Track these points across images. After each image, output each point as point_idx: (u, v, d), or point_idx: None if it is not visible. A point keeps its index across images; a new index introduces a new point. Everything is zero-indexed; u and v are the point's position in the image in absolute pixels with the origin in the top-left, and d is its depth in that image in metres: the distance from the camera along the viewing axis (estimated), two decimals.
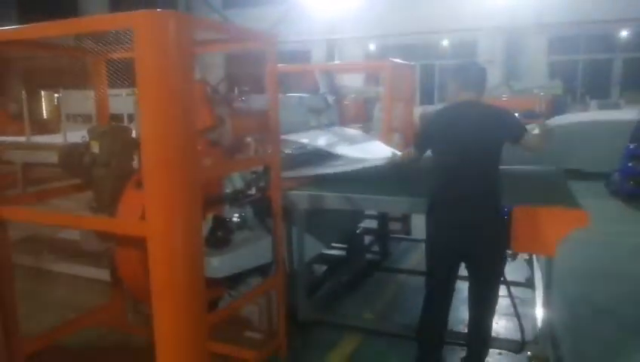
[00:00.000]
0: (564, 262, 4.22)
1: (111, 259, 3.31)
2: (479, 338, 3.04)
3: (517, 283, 4.15)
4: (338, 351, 3.38)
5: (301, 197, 3.39)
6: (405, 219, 5.70)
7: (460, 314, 3.71)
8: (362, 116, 6.01)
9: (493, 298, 2.99)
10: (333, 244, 4.74)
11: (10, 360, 2.94)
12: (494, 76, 14.95)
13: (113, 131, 2.89)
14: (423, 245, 5.45)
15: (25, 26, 2.59)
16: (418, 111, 16.33)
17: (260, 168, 3.23)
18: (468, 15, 15.12)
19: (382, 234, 5.26)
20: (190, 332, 2.35)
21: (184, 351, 2.37)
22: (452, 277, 3.02)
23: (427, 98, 17.47)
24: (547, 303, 3.26)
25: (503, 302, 3.58)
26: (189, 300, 2.33)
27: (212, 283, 2.98)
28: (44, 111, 8.83)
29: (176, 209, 2.27)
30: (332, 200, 3.37)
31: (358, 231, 4.98)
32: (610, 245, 5.53)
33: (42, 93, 8.67)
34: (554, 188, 3.64)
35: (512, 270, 4.12)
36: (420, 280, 4.60)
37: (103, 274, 3.66)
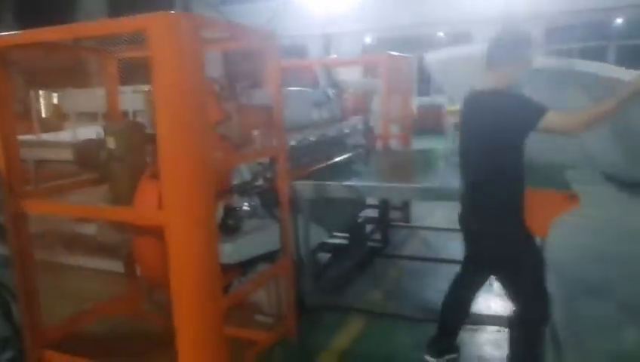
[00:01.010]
0: (561, 246, 4.41)
1: (127, 250, 3.47)
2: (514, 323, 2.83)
3: None
4: (344, 332, 3.55)
5: (306, 187, 3.54)
6: (405, 207, 5.86)
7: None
8: (362, 109, 6.15)
9: (514, 292, 2.76)
10: (337, 233, 4.91)
11: (34, 347, 3.12)
12: None
13: (128, 127, 3.05)
14: (422, 232, 5.67)
15: (39, 29, 2.69)
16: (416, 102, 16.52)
17: (266, 160, 3.39)
18: (463, 6, 15.24)
19: (382, 222, 5.42)
20: (208, 313, 2.51)
21: (203, 332, 2.53)
22: (469, 266, 2.96)
23: (423, 90, 17.60)
24: None
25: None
26: (206, 283, 2.49)
27: (224, 269, 3.14)
28: (43, 110, 8.98)
29: (192, 198, 2.43)
30: (335, 189, 3.53)
31: (359, 220, 5.14)
32: (604, 230, 5.70)
33: (40, 92, 8.83)
34: (547, 174, 3.78)
35: None
36: (420, 265, 4.83)
37: (118, 266, 3.82)
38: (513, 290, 2.77)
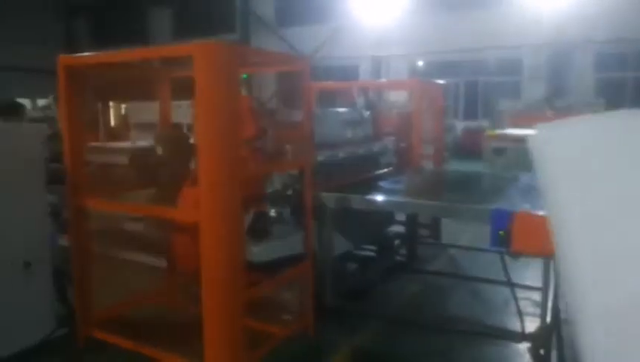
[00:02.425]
0: None
1: (168, 246, 3.92)
2: None
3: (535, 288, 4.45)
4: (359, 335, 3.83)
5: (330, 198, 3.88)
6: (435, 225, 6.05)
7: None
8: (404, 129, 6.37)
9: None
10: (366, 246, 5.20)
11: (84, 326, 3.59)
12: (539, 93, 14.99)
13: (174, 137, 3.50)
14: (451, 250, 5.86)
15: (110, 52, 3.23)
16: (460, 125, 16.56)
17: (297, 172, 3.76)
18: (513, 32, 15.25)
19: (409, 238, 5.65)
20: (230, 301, 2.87)
21: (224, 317, 2.89)
22: None
23: (471, 114, 17.66)
24: (545, 302, 3.50)
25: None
26: (229, 274, 2.85)
27: (253, 269, 3.50)
28: (113, 120, 9.81)
29: (221, 200, 2.82)
30: (357, 201, 3.84)
31: (389, 235, 5.41)
32: None
33: (111, 104, 9.66)
34: None
35: (533, 276, 4.51)
36: (442, 281, 5.03)
37: (162, 263, 4.27)
38: None
